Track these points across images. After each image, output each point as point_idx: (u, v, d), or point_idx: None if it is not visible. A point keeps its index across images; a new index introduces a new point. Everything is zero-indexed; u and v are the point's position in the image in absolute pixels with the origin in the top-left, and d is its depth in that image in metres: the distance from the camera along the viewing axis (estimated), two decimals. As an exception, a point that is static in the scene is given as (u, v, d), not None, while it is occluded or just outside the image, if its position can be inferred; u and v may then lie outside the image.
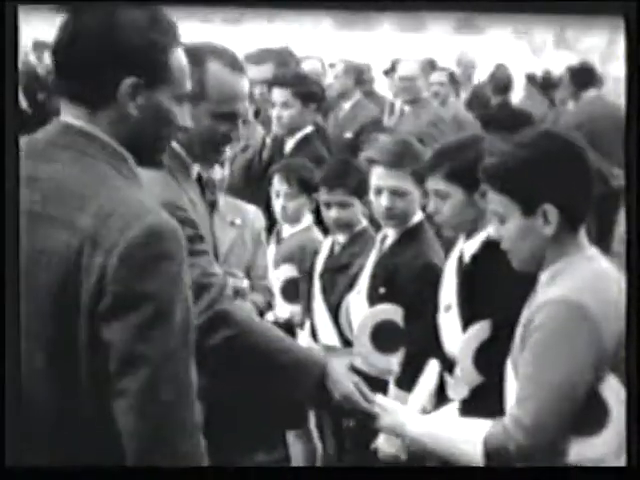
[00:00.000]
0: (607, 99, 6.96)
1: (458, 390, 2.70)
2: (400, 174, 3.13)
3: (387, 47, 10.63)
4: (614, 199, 7.30)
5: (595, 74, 7.09)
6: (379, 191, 3.17)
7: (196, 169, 2.50)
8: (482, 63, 9.31)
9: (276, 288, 3.83)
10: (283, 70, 4.80)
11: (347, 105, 6.60)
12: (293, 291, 3.85)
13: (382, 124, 6.19)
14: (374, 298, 3.21)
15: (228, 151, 2.55)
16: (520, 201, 2.19)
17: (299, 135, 4.57)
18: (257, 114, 5.13)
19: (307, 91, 4.52)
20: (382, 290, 3.19)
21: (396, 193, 3.13)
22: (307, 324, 3.66)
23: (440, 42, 10.57)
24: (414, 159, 3.11)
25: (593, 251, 2.24)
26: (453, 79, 7.27)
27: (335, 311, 3.49)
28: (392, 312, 3.15)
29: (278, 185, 3.95)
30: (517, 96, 8.12)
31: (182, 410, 1.68)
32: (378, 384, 2.95)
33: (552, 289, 2.16)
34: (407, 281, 3.12)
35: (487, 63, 9.28)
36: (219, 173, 3.50)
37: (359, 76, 6.76)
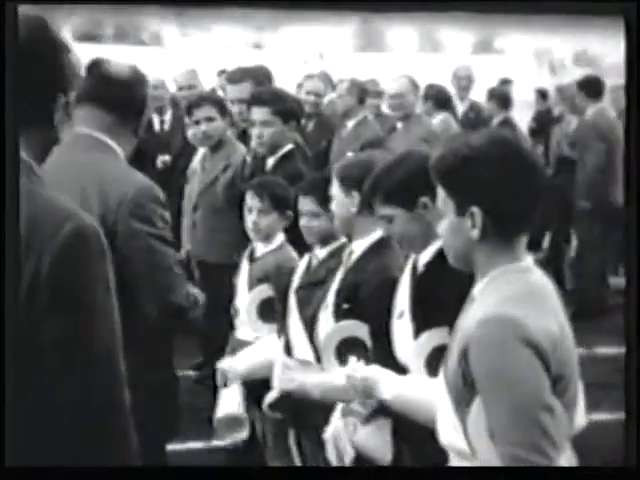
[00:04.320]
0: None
1: None
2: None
3: (405, 67, 10.62)
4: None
5: (603, 86, 7.02)
6: None
7: None
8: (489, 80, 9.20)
9: (252, 308, 3.82)
10: (261, 88, 4.78)
11: (350, 123, 6.59)
12: (269, 311, 3.82)
13: (383, 143, 6.16)
14: (339, 314, 3.18)
15: None
16: (454, 199, 2.14)
17: (280, 153, 4.53)
18: (244, 134, 5.11)
19: (287, 108, 4.49)
20: (346, 306, 3.16)
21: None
22: (282, 339, 3.63)
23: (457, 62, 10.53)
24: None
25: (529, 262, 2.17)
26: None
27: (310, 326, 3.45)
28: (356, 328, 3.11)
29: (250, 201, 3.92)
30: (526, 111, 8.05)
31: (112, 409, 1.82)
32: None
33: (486, 303, 2.09)
34: (368, 296, 3.08)
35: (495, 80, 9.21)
36: None
37: (363, 94, 6.75)
